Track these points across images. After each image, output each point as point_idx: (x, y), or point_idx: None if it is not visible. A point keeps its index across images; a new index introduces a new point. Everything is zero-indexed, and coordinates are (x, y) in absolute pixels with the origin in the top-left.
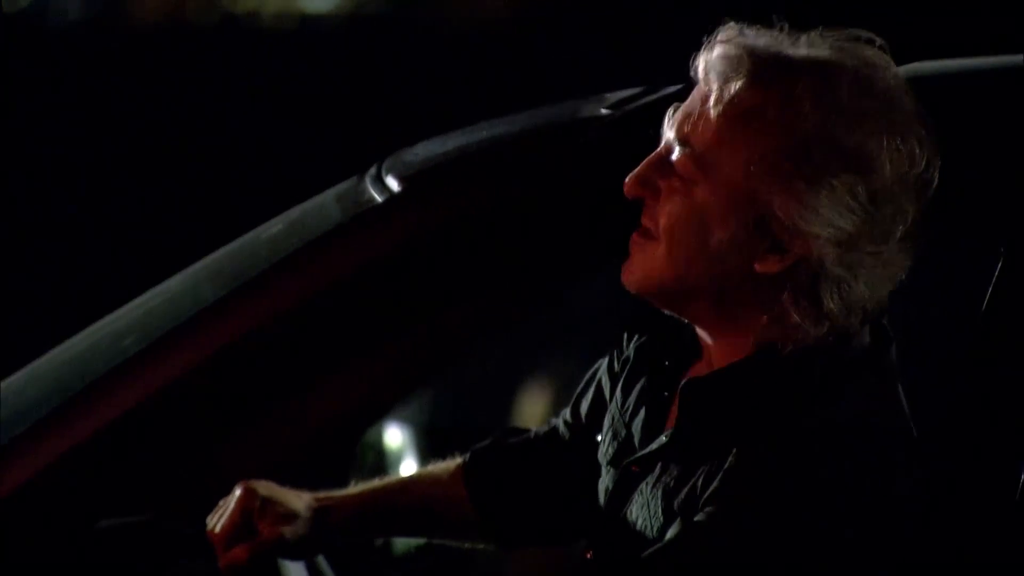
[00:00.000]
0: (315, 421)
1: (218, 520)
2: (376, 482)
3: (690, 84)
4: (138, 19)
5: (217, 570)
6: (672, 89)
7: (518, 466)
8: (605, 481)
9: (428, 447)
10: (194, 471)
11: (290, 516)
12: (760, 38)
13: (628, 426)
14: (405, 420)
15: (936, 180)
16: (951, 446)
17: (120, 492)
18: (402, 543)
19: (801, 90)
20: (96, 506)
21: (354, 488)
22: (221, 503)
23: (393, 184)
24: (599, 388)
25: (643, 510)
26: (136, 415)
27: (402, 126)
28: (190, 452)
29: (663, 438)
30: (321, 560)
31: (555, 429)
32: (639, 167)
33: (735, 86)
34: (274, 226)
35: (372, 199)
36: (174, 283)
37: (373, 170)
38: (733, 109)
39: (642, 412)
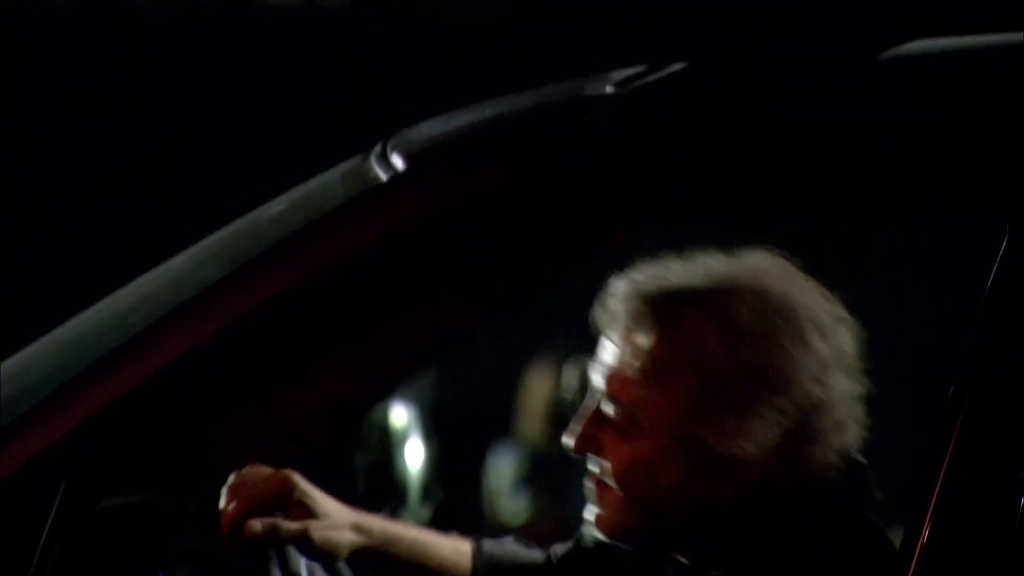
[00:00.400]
0: (319, 400)
1: (235, 497)
2: (406, 527)
3: (694, 63)
4: None
5: (217, 553)
6: (677, 67)
7: None
8: None
9: (433, 426)
10: (198, 451)
11: (322, 517)
12: (652, 277)
13: None
14: (410, 399)
15: (859, 340)
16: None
17: (123, 472)
18: None
19: (703, 325)
20: (99, 487)
21: (390, 525)
22: (234, 480)
23: (398, 162)
24: None
25: None
26: (140, 395)
27: (406, 107)
28: (194, 432)
29: None
30: (343, 566)
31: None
32: (581, 426)
33: (641, 340)
34: (278, 205)
35: (377, 177)
36: (178, 262)
37: (378, 148)
38: (646, 364)
39: None
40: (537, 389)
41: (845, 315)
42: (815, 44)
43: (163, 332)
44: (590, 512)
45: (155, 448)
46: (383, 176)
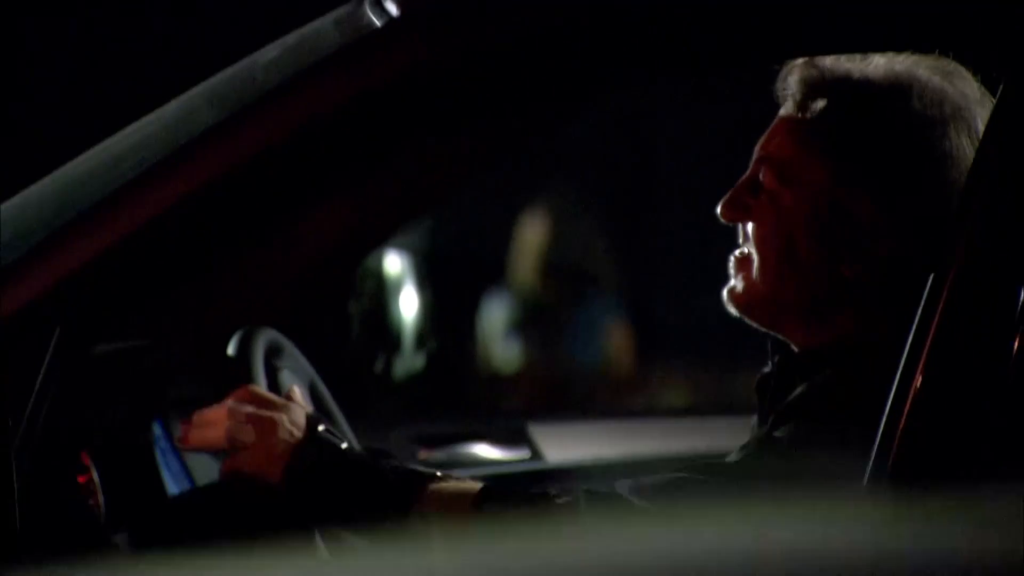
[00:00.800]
0: (314, 249)
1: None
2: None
3: None
4: None
5: (210, 401)
6: None
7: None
8: None
9: (427, 274)
10: (192, 299)
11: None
12: (835, 62)
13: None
14: (404, 247)
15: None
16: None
17: (117, 319)
18: None
19: (876, 104)
20: (93, 333)
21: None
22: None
23: (392, 8)
24: None
25: None
26: (134, 241)
27: None
28: (189, 279)
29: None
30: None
31: None
32: (731, 190)
33: (813, 105)
34: (272, 51)
35: (371, 23)
36: (171, 108)
37: None
38: (812, 125)
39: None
40: (530, 238)
41: None
42: None
43: (157, 178)
44: (727, 287)
45: (149, 296)
46: (377, 22)
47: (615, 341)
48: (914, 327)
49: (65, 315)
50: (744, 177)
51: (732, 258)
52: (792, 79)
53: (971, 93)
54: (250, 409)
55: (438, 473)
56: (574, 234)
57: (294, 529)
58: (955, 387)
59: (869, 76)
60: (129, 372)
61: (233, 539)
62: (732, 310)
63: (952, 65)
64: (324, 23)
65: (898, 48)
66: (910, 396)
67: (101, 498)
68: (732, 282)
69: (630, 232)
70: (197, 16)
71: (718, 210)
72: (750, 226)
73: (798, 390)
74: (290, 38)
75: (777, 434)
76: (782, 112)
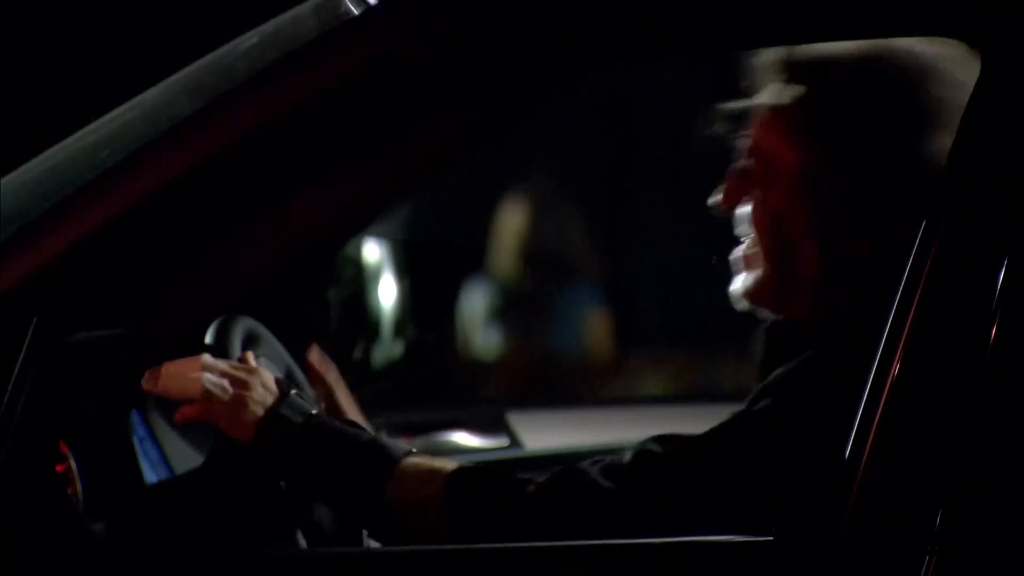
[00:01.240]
0: (293, 236)
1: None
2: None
3: None
4: None
5: None
6: None
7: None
8: None
9: (405, 261)
10: (170, 286)
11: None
12: (804, 47)
13: None
14: (383, 235)
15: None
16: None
17: (95, 308)
18: None
19: (841, 82)
20: (70, 321)
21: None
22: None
23: None
24: None
25: None
26: (113, 229)
27: None
28: (167, 268)
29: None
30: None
31: None
32: (724, 183)
33: (781, 90)
34: (250, 39)
35: (349, 11)
36: (150, 96)
37: None
38: (785, 111)
39: None
40: (510, 226)
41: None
42: None
43: (136, 166)
44: (735, 285)
45: (127, 283)
46: (355, 9)
47: (594, 329)
48: (894, 305)
49: (43, 304)
50: (734, 168)
51: (735, 257)
52: (767, 64)
53: (948, 54)
54: (224, 366)
55: (413, 449)
56: (553, 222)
57: (274, 519)
58: (934, 369)
59: (842, 55)
60: (107, 361)
61: (211, 528)
62: (743, 305)
63: (911, 42)
64: (303, 10)
65: (881, 35)
66: (891, 375)
67: (79, 487)
68: (740, 279)
69: (609, 220)
70: (189, 15)
71: (712, 201)
72: (747, 216)
73: (784, 367)
74: (268, 26)
75: (756, 408)
76: (761, 99)
